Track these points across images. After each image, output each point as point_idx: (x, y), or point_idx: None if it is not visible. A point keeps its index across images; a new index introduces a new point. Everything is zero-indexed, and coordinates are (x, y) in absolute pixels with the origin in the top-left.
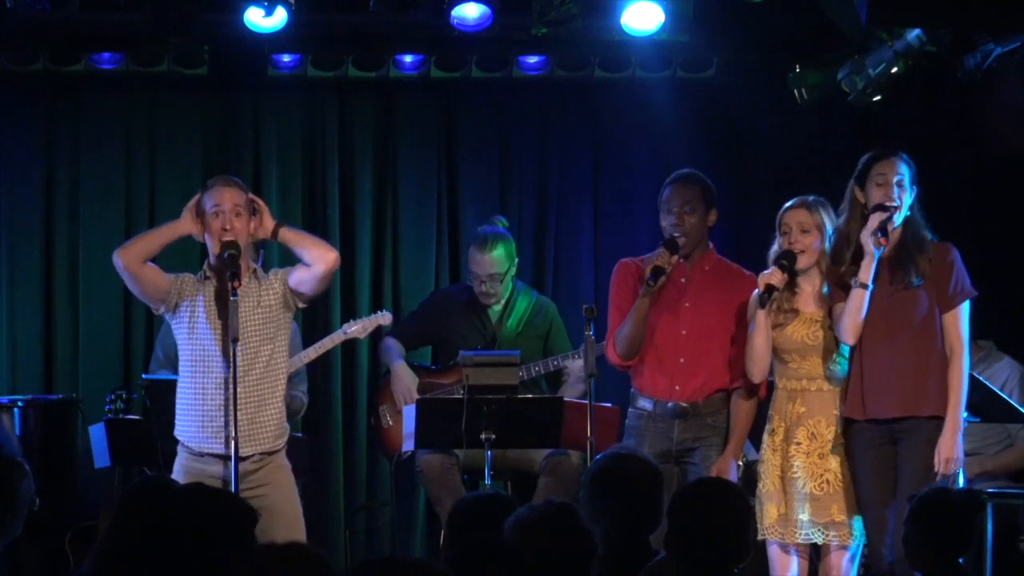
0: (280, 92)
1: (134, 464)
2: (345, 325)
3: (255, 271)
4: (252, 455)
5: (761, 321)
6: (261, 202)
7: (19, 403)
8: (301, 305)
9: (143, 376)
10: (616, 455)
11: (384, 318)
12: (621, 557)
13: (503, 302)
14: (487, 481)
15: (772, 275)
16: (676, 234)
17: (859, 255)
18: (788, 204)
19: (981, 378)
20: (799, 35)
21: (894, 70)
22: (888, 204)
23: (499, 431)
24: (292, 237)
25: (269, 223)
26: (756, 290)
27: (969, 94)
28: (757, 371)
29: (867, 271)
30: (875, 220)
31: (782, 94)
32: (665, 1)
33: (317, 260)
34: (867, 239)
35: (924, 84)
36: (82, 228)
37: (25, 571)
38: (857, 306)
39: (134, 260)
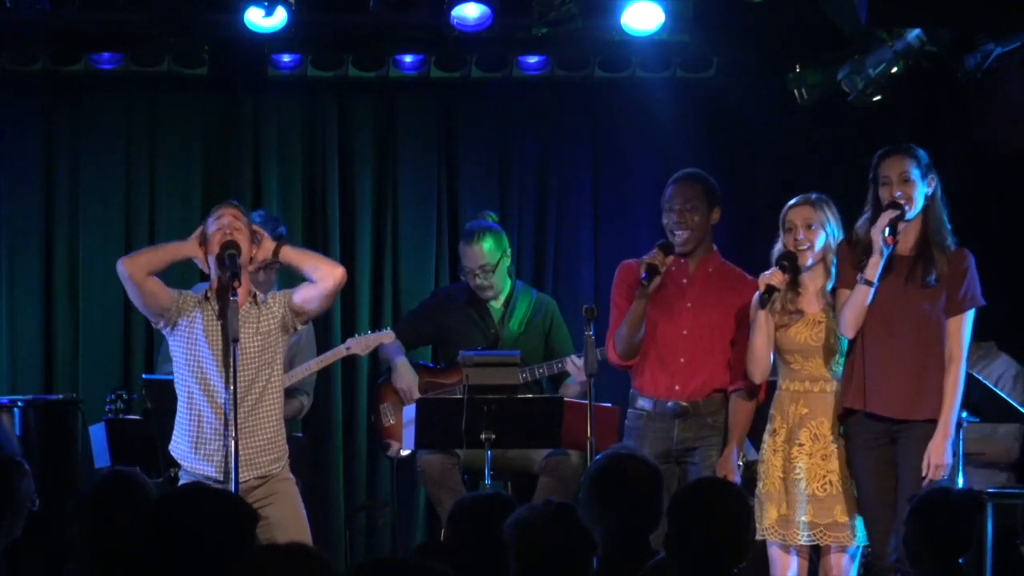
0: (280, 92)
1: (134, 464)
2: (349, 340)
3: (255, 296)
4: (248, 479)
5: (762, 321)
6: (261, 230)
7: (19, 403)
8: (301, 327)
9: (143, 376)
10: (615, 455)
11: (387, 336)
12: (621, 557)
13: (503, 299)
14: (487, 481)
15: (773, 276)
16: (678, 232)
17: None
18: (792, 202)
19: (980, 376)
20: (799, 35)
21: (894, 70)
22: (900, 202)
23: (499, 431)
24: (295, 255)
25: (269, 244)
26: (761, 278)
27: (969, 94)
28: (758, 372)
29: (873, 269)
30: (885, 218)
31: (782, 94)
32: (665, 1)
33: (325, 276)
34: (876, 236)
35: (924, 84)
36: (82, 228)
37: (25, 571)
38: (860, 301)
39: (139, 271)
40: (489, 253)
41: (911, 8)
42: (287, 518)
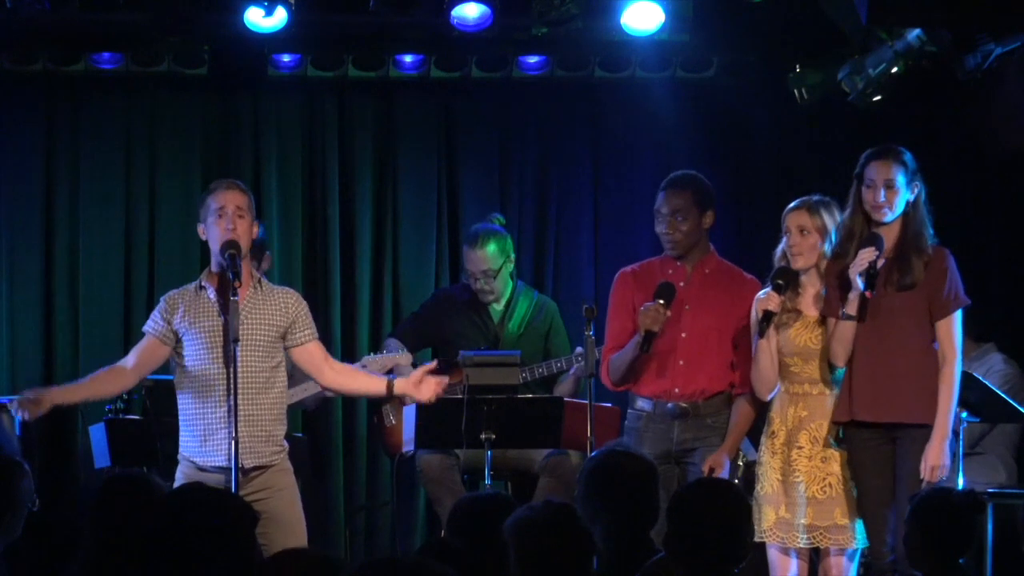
0: (280, 92)
1: (134, 464)
2: (365, 358)
3: (260, 281)
4: (249, 468)
5: (763, 347)
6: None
7: None
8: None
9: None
10: (610, 452)
11: (404, 358)
12: (622, 554)
13: (504, 301)
14: (487, 481)
15: (769, 300)
16: (668, 241)
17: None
18: (791, 205)
19: (979, 377)
20: (799, 35)
21: (894, 70)
22: (879, 235)
23: (499, 431)
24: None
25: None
26: (754, 311)
27: (969, 94)
28: (764, 391)
29: (854, 305)
30: (863, 259)
31: (782, 94)
32: (665, 1)
33: (326, 385)
34: (854, 276)
35: (924, 84)
36: (82, 228)
37: (25, 571)
38: (846, 336)
39: (129, 383)
40: (492, 258)
41: (911, 8)
42: (284, 513)
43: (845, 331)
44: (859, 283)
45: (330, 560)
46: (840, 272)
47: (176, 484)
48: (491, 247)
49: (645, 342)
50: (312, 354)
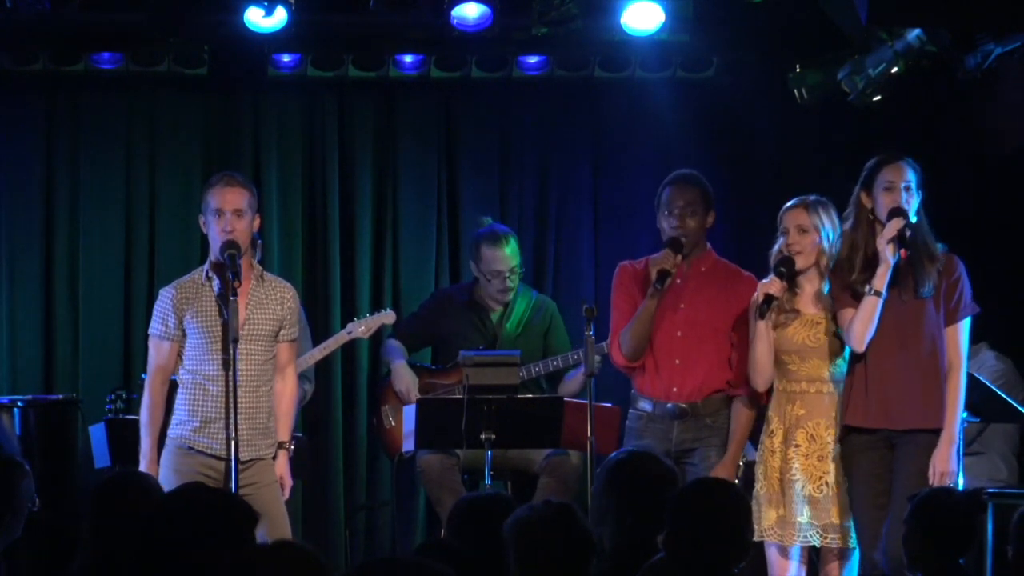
0: (280, 92)
1: (134, 464)
2: (350, 324)
3: (262, 275)
4: (245, 459)
5: (762, 330)
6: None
7: (19, 403)
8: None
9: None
10: (635, 453)
11: (388, 316)
12: (628, 555)
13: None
14: (487, 481)
15: (771, 284)
16: (680, 237)
17: (870, 262)
18: (788, 204)
19: (980, 377)
20: (799, 35)
21: (894, 70)
22: (904, 208)
23: (499, 431)
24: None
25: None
26: (755, 294)
27: (969, 94)
28: (761, 380)
29: (882, 279)
30: (893, 228)
31: (782, 94)
32: (665, 1)
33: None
34: (884, 246)
35: (924, 84)
36: (82, 228)
37: (25, 571)
38: (870, 314)
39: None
40: (514, 255)
41: (911, 8)
42: (271, 508)
43: (869, 308)
44: (888, 255)
45: (319, 558)
46: (849, 281)
47: (162, 470)
48: (513, 245)
49: (659, 280)
50: (280, 353)
